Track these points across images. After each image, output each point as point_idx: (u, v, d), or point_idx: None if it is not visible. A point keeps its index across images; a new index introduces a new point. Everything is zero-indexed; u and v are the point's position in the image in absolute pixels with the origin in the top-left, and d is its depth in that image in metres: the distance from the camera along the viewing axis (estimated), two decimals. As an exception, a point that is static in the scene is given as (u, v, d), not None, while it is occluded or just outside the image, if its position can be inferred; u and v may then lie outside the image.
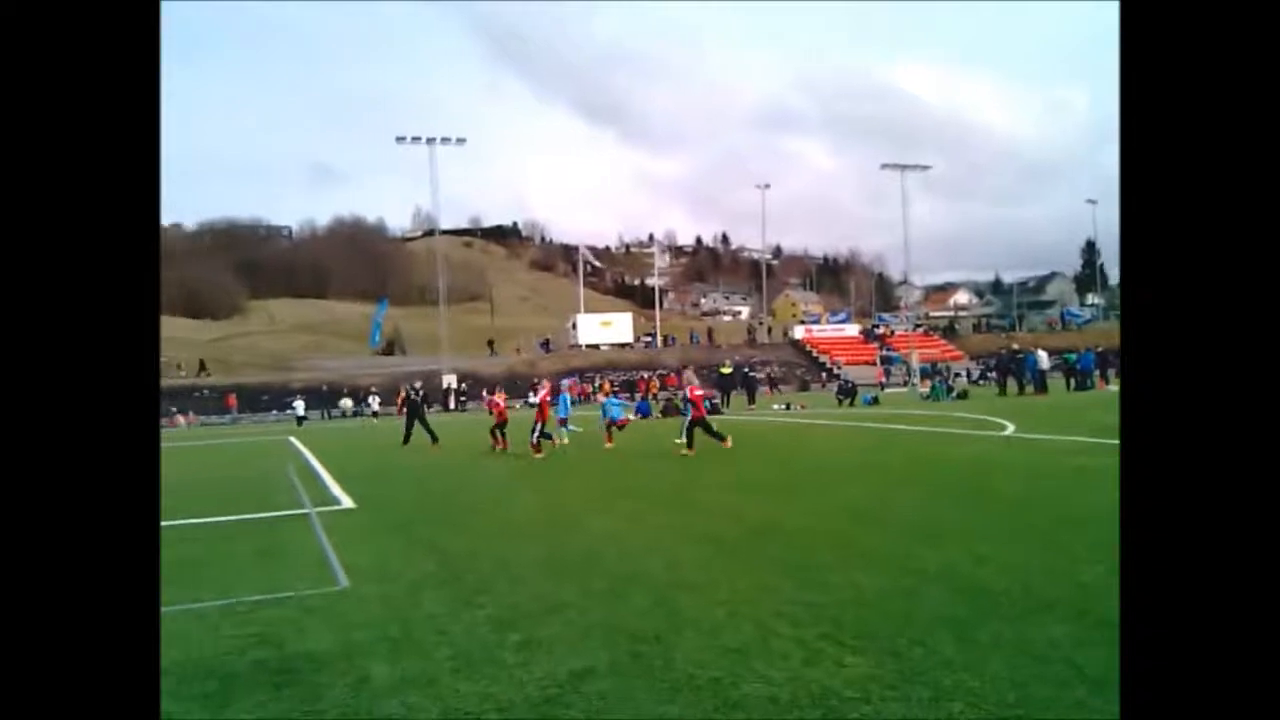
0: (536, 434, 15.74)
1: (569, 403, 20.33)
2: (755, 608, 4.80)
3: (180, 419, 44.03)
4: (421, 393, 22.07)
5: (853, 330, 67.31)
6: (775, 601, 4.91)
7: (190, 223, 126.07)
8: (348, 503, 10.49)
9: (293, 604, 5.44)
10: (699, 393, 15.49)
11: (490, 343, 64.55)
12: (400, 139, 52.34)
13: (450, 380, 50.83)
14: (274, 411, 46.71)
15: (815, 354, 59.93)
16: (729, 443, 14.58)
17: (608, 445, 16.61)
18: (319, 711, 3.61)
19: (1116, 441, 9.20)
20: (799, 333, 65.58)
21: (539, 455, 15.24)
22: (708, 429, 14.71)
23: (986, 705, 3.34)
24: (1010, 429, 16.62)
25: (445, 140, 52.91)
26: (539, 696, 3.68)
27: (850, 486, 10.11)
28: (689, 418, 14.67)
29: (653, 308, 72.27)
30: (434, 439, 19.31)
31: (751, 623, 4.52)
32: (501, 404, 18.12)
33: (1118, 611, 1.99)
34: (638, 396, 36.91)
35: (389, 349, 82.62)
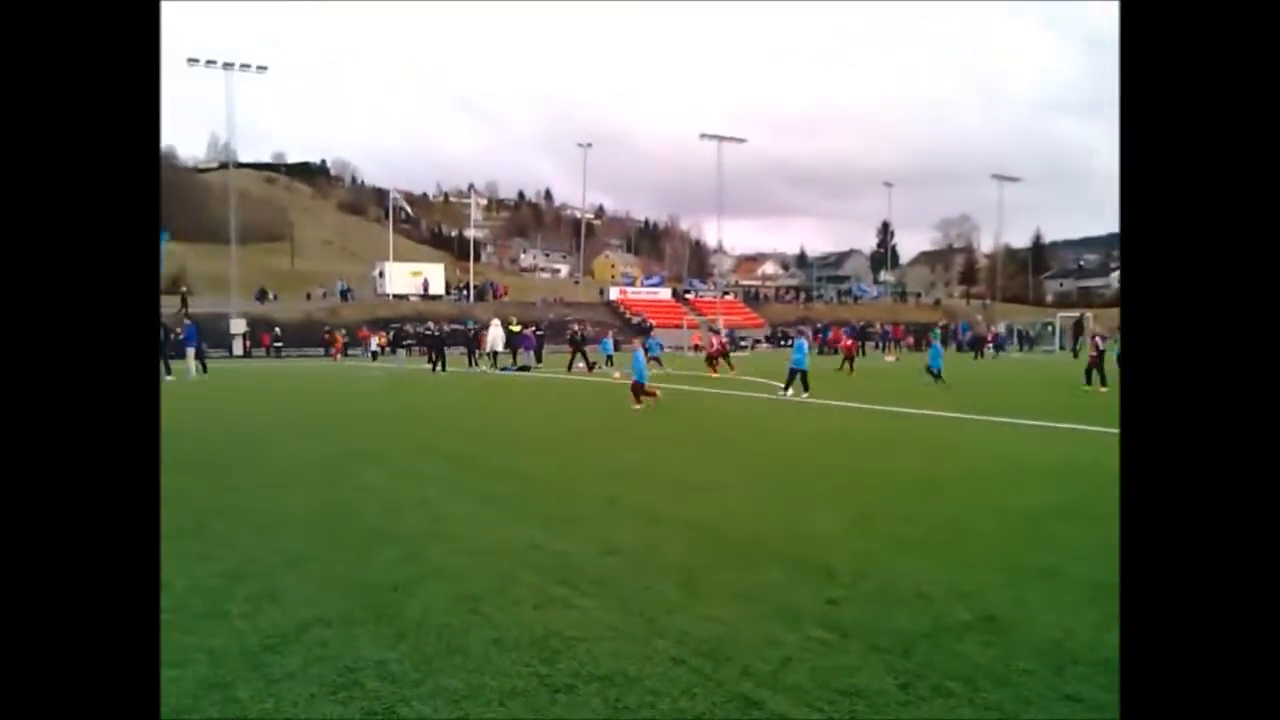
0: None
1: None
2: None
3: None
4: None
5: (665, 293, 68.79)
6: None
7: None
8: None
9: None
10: None
11: (263, 291, 56.83)
12: (193, 60, 46.95)
13: (239, 325, 47.16)
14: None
15: (628, 314, 60.87)
16: None
17: None
18: None
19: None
20: (614, 293, 66.61)
21: None
22: None
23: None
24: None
25: (245, 67, 48.18)
26: None
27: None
28: None
29: (469, 260, 71.67)
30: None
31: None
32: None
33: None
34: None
35: (171, 286, 74.98)
